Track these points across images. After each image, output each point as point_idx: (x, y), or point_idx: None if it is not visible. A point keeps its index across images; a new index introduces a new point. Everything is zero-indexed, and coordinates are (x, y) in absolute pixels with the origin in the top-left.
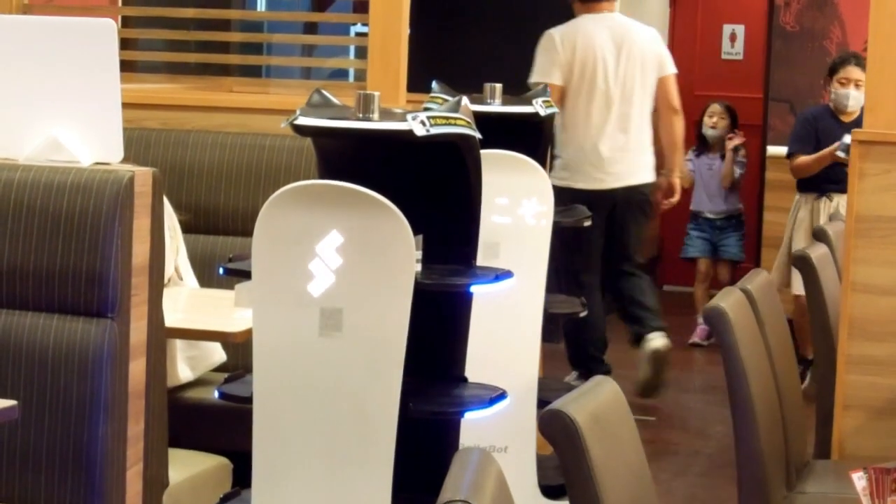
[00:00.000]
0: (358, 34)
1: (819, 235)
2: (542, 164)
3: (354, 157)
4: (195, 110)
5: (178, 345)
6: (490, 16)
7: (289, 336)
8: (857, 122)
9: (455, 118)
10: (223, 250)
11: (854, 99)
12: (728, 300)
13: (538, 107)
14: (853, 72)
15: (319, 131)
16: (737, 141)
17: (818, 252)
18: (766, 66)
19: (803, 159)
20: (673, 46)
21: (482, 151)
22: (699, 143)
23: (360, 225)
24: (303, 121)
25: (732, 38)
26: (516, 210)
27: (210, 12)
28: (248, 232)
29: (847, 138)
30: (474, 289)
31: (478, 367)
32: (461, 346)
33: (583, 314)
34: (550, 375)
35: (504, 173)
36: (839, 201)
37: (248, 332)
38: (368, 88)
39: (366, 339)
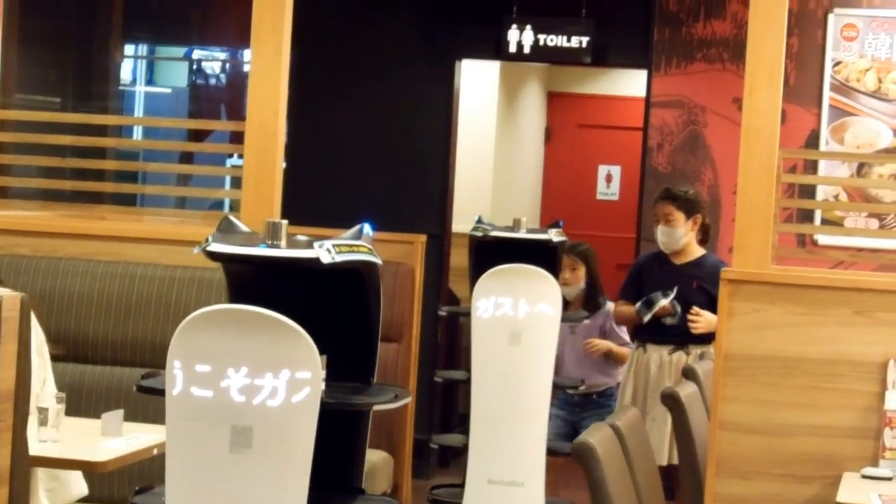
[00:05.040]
0: (234, 166)
1: (688, 374)
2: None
3: (263, 282)
4: (67, 237)
5: (39, 474)
6: (367, 152)
7: (200, 453)
8: (694, 266)
9: (358, 245)
10: (91, 379)
11: (663, 234)
12: (596, 436)
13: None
14: (661, 207)
15: (231, 258)
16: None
17: (687, 390)
18: (639, 206)
19: (619, 309)
20: (546, 185)
21: (512, 266)
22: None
23: (270, 348)
24: (215, 247)
25: (608, 178)
26: (534, 308)
27: (86, 140)
28: (117, 361)
29: (657, 295)
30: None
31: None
32: (360, 459)
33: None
34: None
35: (525, 282)
36: (702, 352)
37: (115, 462)
38: (242, 219)
39: (274, 455)
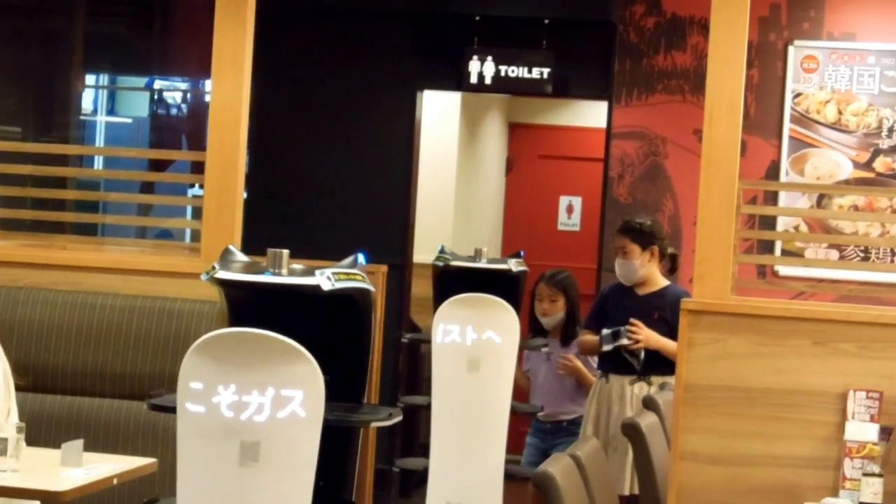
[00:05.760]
0: (195, 196)
1: (649, 404)
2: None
3: (264, 308)
4: (27, 267)
5: None
6: (328, 182)
7: (212, 466)
8: (658, 296)
9: (354, 274)
10: (51, 409)
11: (620, 267)
12: (557, 466)
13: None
14: (617, 240)
15: (238, 284)
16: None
17: (647, 420)
18: (599, 237)
19: (583, 338)
20: (507, 216)
21: (469, 295)
22: (533, 327)
23: (277, 369)
24: (222, 275)
25: (569, 209)
26: (482, 335)
27: (46, 170)
28: (77, 391)
29: (624, 330)
30: None
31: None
32: (351, 474)
33: None
34: None
35: (484, 310)
36: (663, 383)
37: (75, 492)
38: (202, 249)
39: (280, 468)
